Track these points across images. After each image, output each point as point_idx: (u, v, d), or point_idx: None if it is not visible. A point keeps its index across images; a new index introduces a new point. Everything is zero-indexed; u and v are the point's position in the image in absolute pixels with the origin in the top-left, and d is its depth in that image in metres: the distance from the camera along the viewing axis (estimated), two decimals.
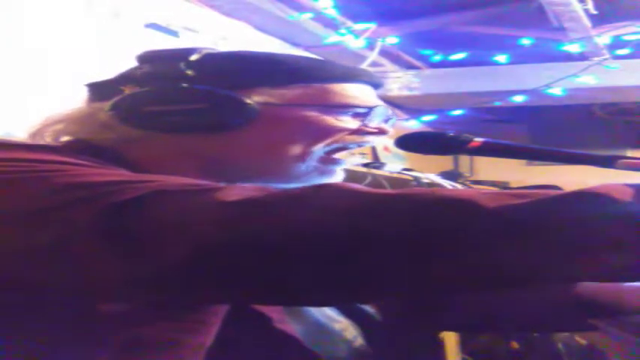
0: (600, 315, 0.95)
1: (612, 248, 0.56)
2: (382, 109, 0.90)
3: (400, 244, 0.58)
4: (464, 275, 0.58)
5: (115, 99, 0.81)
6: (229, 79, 0.82)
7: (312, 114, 0.84)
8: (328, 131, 0.85)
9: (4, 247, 0.65)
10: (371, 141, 0.91)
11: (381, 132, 0.90)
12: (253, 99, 0.82)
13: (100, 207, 0.61)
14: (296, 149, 0.84)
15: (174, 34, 2.35)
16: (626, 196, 0.56)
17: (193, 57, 0.82)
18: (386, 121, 0.92)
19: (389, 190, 0.63)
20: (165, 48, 0.86)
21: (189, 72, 0.81)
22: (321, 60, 0.92)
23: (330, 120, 0.85)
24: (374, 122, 0.89)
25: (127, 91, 0.81)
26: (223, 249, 0.59)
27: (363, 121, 0.88)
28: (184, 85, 0.80)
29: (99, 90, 0.85)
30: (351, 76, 0.89)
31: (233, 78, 0.83)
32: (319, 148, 0.85)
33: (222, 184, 0.67)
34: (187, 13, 2.46)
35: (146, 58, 0.85)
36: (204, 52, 0.84)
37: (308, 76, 0.86)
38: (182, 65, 0.81)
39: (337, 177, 0.90)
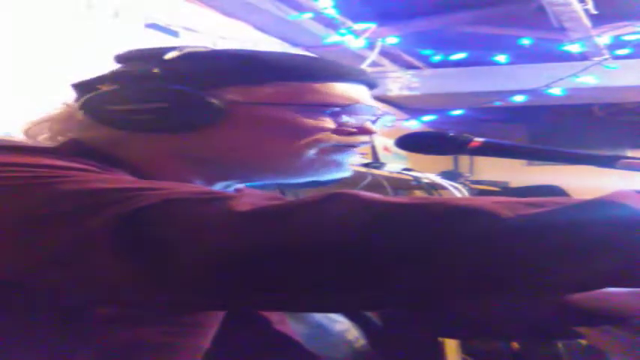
0: (588, 323, 0.95)
1: (625, 258, 0.57)
2: (363, 108, 0.87)
3: (415, 256, 0.57)
4: (479, 285, 0.58)
5: (84, 97, 0.81)
6: (202, 78, 0.81)
7: (287, 113, 0.82)
8: (302, 130, 0.83)
9: (9, 254, 0.65)
10: (364, 141, 0.88)
11: (365, 131, 0.88)
12: (226, 97, 0.80)
13: (111, 216, 0.61)
14: (273, 147, 0.83)
15: (175, 34, 2.35)
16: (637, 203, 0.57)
17: (168, 56, 0.82)
18: (374, 120, 0.89)
19: (402, 199, 0.62)
20: (144, 47, 0.85)
21: (156, 70, 0.80)
22: (305, 57, 0.90)
23: (304, 119, 0.83)
24: (353, 121, 0.87)
25: (103, 90, 0.81)
26: (235, 258, 0.59)
27: (337, 120, 0.85)
28: (150, 84, 0.80)
29: (81, 89, 0.85)
30: (337, 74, 0.86)
31: (204, 77, 0.82)
32: (305, 147, 0.83)
33: (232, 193, 0.66)
34: (187, 13, 2.46)
35: (123, 58, 0.84)
36: (186, 50, 0.83)
37: (283, 74, 0.84)
38: (152, 64, 0.81)
39: (344, 171, 0.88)
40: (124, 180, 0.70)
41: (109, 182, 0.66)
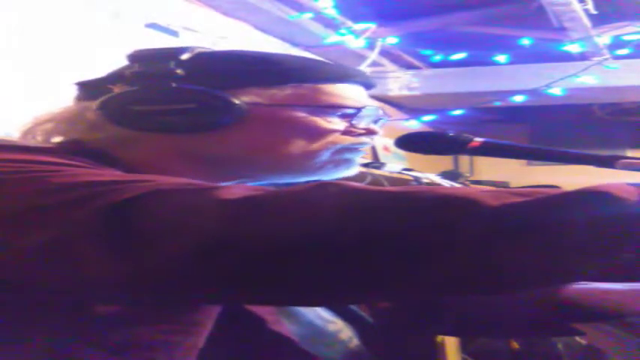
0: (584, 320, 0.94)
1: (613, 247, 0.56)
2: (371, 110, 0.89)
3: (402, 243, 0.57)
4: (464, 274, 0.58)
5: (103, 98, 0.80)
6: (219, 79, 0.82)
7: (301, 115, 0.84)
8: (317, 132, 0.84)
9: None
10: (368, 142, 0.90)
11: (370, 132, 0.90)
12: (242, 99, 0.81)
13: (98, 206, 0.61)
14: (289, 148, 0.83)
15: (175, 34, 2.35)
16: (627, 195, 0.56)
17: (184, 56, 0.82)
18: (375, 121, 0.91)
19: (388, 188, 0.63)
20: (156, 47, 0.85)
21: (179, 71, 0.80)
22: (313, 60, 0.91)
23: (319, 121, 0.85)
24: (362, 123, 0.89)
25: (116, 90, 0.81)
26: (223, 247, 0.59)
27: (350, 121, 0.87)
28: (173, 84, 0.80)
29: (88, 89, 0.85)
30: (343, 76, 0.88)
31: (223, 78, 0.82)
32: (320, 148, 0.85)
33: (220, 184, 0.67)
34: (187, 13, 2.46)
35: (137, 57, 0.84)
36: (197, 51, 0.84)
37: (299, 76, 0.85)
38: (172, 64, 0.81)
39: (354, 169, 0.90)
40: (112, 174, 0.70)
41: (97, 176, 0.67)
